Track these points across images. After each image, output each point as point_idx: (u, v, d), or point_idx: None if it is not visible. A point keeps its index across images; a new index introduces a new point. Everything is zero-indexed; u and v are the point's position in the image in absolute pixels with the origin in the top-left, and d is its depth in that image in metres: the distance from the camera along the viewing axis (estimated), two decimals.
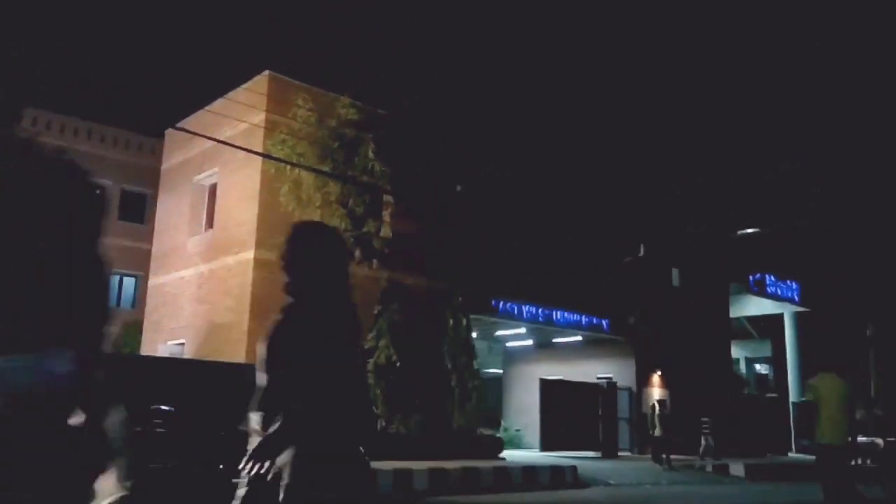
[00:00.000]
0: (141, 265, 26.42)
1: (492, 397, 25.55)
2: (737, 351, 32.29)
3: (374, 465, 10.88)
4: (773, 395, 30.75)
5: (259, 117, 16.86)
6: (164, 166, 21.29)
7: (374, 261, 16.00)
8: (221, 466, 8.83)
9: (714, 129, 27.94)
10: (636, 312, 24.65)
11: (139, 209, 30.01)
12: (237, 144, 15.31)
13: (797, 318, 31.51)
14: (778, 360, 33.34)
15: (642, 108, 28.85)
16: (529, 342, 25.96)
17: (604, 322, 23.89)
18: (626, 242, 24.64)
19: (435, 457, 15.13)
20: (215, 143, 15.91)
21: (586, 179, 23.34)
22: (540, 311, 22.25)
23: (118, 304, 29.56)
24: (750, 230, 26.28)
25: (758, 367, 36.93)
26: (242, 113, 16.95)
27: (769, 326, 33.06)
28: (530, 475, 14.57)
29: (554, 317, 22.70)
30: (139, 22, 49.61)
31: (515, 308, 21.59)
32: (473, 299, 19.51)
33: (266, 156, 15.45)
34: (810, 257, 32.17)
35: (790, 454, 25.29)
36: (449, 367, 18.27)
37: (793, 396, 29.80)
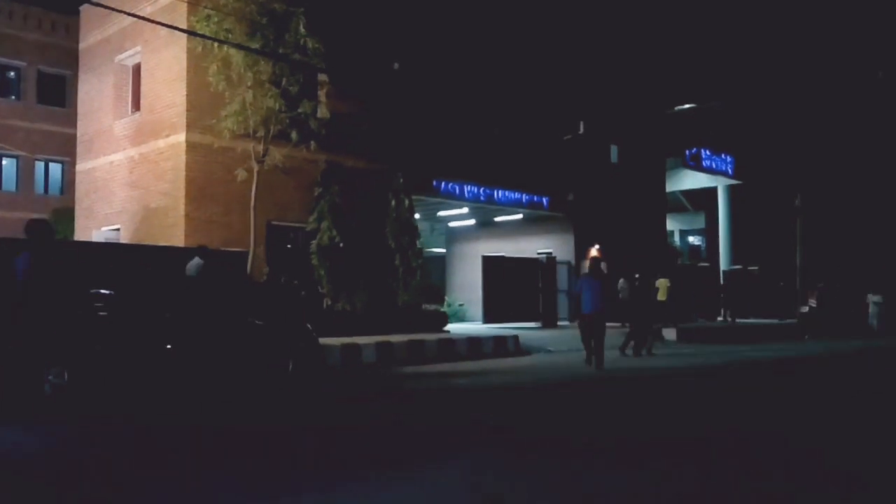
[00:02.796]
0: (67, 150, 25.20)
1: (435, 275, 26.06)
2: (672, 224, 33.46)
3: (323, 340, 11.14)
4: (705, 264, 32.20)
5: None
6: (82, 45, 19.94)
7: (312, 142, 15.62)
8: (168, 346, 8.89)
9: (651, 3, 27.51)
10: (575, 189, 25.06)
11: (59, 92, 28.34)
12: (159, 21, 14.37)
13: (730, 190, 32.61)
14: (710, 232, 34.74)
15: None
16: (472, 221, 26.27)
17: (544, 199, 24.25)
18: (565, 120, 24.64)
19: (381, 332, 15.53)
20: (135, 19, 14.89)
21: (526, 57, 22.93)
22: (481, 190, 22.39)
23: (46, 190, 28.45)
24: (686, 105, 26.52)
25: (691, 238, 38.43)
26: None
27: (703, 199, 34.19)
28: (475, 345, 15.13)
29: (495, 196, 22.90)
30: None
31: (457, 188, 21.67)
32: (415, 180, 19.46)
33: (190, 32, 14.57)
34: (745, 131, 32.90)
35: (719, 319, 26.80)
36: (392, 246, 18.45)
37: (724, 265, 31.30)
